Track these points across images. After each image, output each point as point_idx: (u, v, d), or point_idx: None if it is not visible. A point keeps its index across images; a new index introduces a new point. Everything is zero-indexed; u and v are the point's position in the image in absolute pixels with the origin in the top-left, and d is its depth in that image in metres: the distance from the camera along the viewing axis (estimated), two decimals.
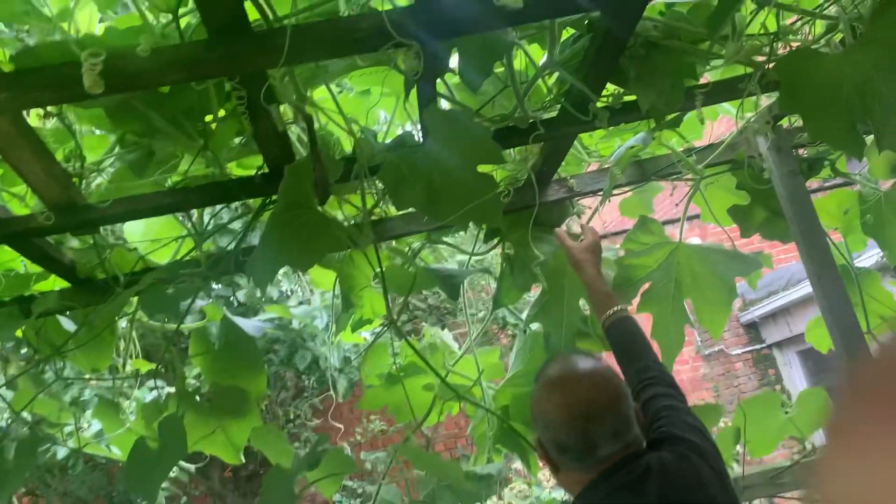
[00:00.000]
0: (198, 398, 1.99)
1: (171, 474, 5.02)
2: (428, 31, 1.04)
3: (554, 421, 1.35)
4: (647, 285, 2.12)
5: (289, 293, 4.56)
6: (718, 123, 2.38)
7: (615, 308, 1.74)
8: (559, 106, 1.57)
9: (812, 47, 1.30)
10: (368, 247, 1.83)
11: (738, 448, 2.02)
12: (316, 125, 1.44)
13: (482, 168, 1.93)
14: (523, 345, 2.07)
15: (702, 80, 1.63)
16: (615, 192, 2.17)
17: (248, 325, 1.92)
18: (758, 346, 8.57)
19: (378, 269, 1.67)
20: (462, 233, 2.36)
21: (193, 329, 2.10)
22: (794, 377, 8.32)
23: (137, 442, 1.69)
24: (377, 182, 1.36)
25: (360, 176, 1.21)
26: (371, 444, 7.30)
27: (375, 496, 1.86)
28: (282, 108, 1.31)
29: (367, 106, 1.71)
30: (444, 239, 2.08)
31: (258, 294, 4.31)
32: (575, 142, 2.07)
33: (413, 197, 1.28)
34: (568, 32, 1.48)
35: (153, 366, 2.04)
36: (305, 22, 1.07)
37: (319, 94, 1.61)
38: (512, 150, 1.93)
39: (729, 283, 2.07)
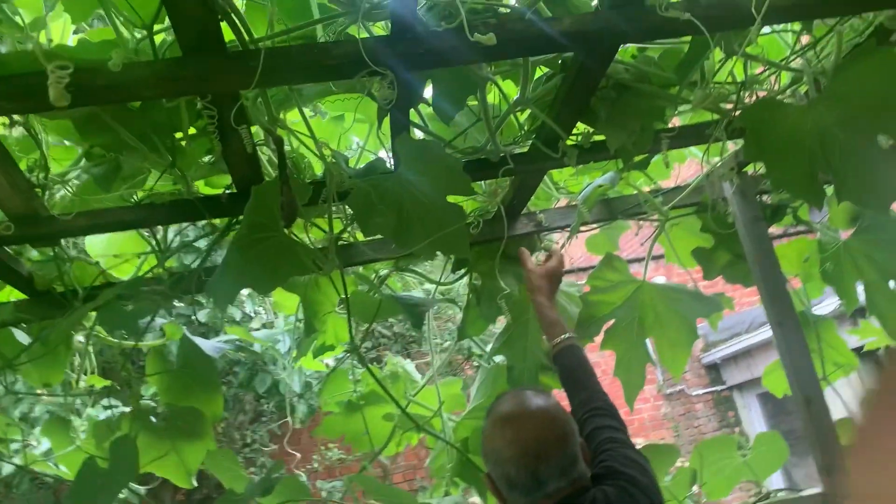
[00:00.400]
0: (153, 419, 1.94)
1: (121, 495, 4.89)
2: (402, 62, 1.05)
3: (503, 456, 1.38)
4: (610, 322, 2.14)
5: (252, 315, 4.50)
6: (685, 166, 2.43)
7: (564, 335, 1.78)
8: (530, 142, 1.59)
9: (777, 98, 1.33)
10: (334, 272, 1.83)
11: (695, 489, 2.03)
12: (287, 148, 1.44)
13: (452, 198, 1.95)
14: (486, 377, 2.06)
15: (671, 124, 1.67)
16: (583, 228, 2.20)
17: (208, 345, 1.89)
18: (718, 388, 8.65)
19: (343, 295, 1.66)
20: (430, 262, 2.36)
21: (151, 347, 2.06)
22: (754, 420, 8.40)
23: (86, 461, 1.65)
24: (346, 207, 1.35)
25: (328, 200, 1.21)
26: (328, 473, 7.19)
27: None
28: (253, 129, 1.30)
29: (339, 131, 1.71)
30: (412, 267, 2.08)
31: (220, 315, 4.26)
32: (545, 178, 2.10)
33: (382, 224, 1.28)
34: (542, 70, 1.50)
35: (108, 383, 1.99)
36: (281, 45, 1.07)
37: (293, 116, 1.62)
38: (483, 182, 1.95)
39: (690, 323, 2.09)
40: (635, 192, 2.06)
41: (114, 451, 1.63)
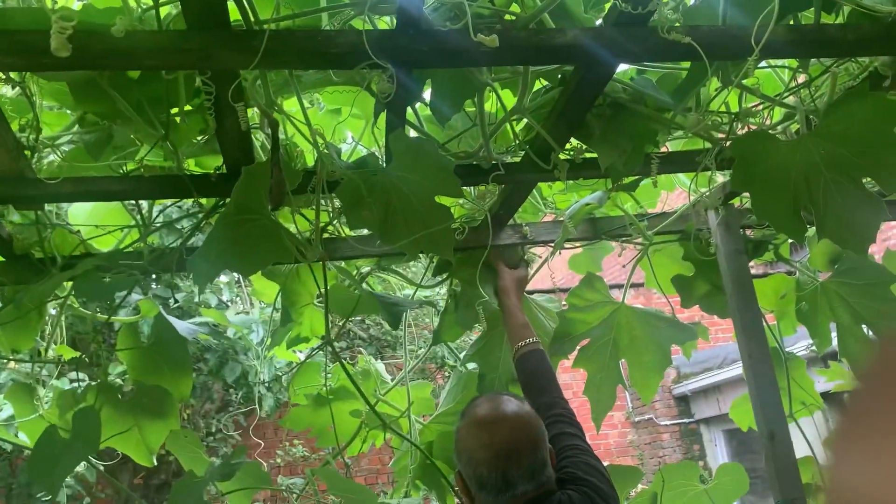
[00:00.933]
0: (119, 395, 1.93)
1: (78, 470, 4.83)
2: (404, 57, 1.06)
3: (477, 457, 1.42)
4: (585, 341, 2.15)
5: (228, 303, 4.48)
6: (674, 195, 2.45)
7: (529, 339, 1.83)
8: (523, 152, 1.60)
9: (769, 132, 1.35)
10: (316, 264, 1.83)
11: None
12: (281, 134, 1.44)
13: (441, 200, 1.96)
14: (456, 383, 2.06)
15: (662, 149, 1.69)
16: (567, 246, 2.21)
17: (182, 326, 1.88)
18: (686, 420, 8.69)
19: (323, 287, 1.66)
20: (412, 265, 2.37)
21: (124, 323, 2.05)
22: (718, 455, 8.45)
23: (47, 430, 1.63)
24: (334, 199, 1.36)
25: (318, 188, 1.21)
26: (290, 469, 7.14)
27: None
28: (249, 112, 1.31)
29: (335, 124, 1.71)
30: (394, 268, 2.09)
31: (196, 298, 4.22)
32: (534, 191, 2.12)
33: (368, 217, 1.28)
34: (541, 83, 1.52)
35: (77, 354, 1.97)
36: (285, 28, 1.08)
37: (290, 105, 1.62)
38: (472, 188, 1.96)
39: (665, 348, 2.11)
40: (622, 213, 2.08)
41: (76, 421, 1.61)
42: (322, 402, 1.94)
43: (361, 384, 1.97)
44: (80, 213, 1.90)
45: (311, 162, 1.51)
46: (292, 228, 1.50)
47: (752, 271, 2.18)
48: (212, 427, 6.25)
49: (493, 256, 1.97)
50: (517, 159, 1.63)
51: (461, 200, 2.03)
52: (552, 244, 2.13)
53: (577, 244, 2.29)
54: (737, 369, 7.14)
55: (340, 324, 1.83)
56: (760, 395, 1.96)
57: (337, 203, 1.45)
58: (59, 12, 0.89)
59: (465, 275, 2.06)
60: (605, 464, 1.74)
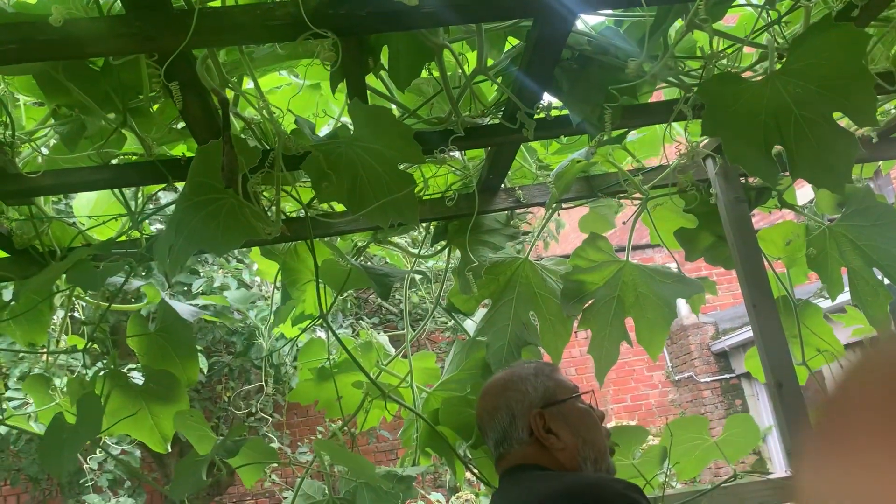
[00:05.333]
0: (132, 381, 1.98)
1: (122, 456, 4.98)
2: (343, 24, 1.05)
3: None
4: (590, 301, 2.13)
5: (251, 286, 4.55)
6: (672, 148, 2.40)
7: None
8: (501, 113, 1.58)
9: (737, 73, 1.31)
10: (307, 241, 1.85)
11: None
12: (252, 115, 1.45)
13: (428, 171, 1.95)
14: (460, 350, 2.07)
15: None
16: (568, 206, 2.19)
17: (183, 309, 1.91)
18: (727, 376, 8.61)
19: (315, 263, 1.68)
20: (409, 235, 2.37)
21: (134, 310, 2.10)
22: (761, 409, 8.36)
23: (56, 417, 1.68)
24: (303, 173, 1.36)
25: (276, 164, 1.21)
26: None
27: (297, 490, 1.85)
28: (229, 93, 1.31)
29: (315, 100, 1.71)
30: (391, 239, 2.09)
31: (213, 284, 4.29)
32: (526, 154, 2.10)
33: (336, 189, 1.28)
34: (514, 41, 1.49)
35: (85, 343, 2.03)
36: (224, 5, 1.07)
37: (268, 83, 1.62)
38: (459, 154, 1.95)
39: (670, 304, 2.08)
40: (617, 170, 2.04)
41: (80, 407, 1.66)
42: (326, 375, 1.96)
43: (363, 357, 1.99)
44: (82, 205, 1.94)
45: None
46: (265, 204, 1.51)
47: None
48: (252, 408, 6.38)
49: None
50: (496, 121, 1.61)
51: (454, 168, 2.02)
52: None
53: (585, 204, 2.26)
54: None
55: (337, 298, 1.84)
56: (766, 344, 1.93)
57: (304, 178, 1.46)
58: None
59: (462, 241, 2.06)
60: (623, 423, 1.76)
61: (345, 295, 2.19)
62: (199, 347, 4.82)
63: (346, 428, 1.82)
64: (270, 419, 6.34)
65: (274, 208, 1.29)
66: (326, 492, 1.84)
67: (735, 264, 2.03)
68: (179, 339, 1.96)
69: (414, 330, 2.11)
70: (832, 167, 1.20)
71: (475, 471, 1.87)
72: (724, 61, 1.37)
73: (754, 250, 1.99)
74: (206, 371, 5.08)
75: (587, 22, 1.45)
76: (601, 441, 1.48)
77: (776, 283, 2.19)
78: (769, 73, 1.21)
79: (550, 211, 2.13)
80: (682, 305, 9.14)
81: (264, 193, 1.31)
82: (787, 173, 1.33)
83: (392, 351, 2.11)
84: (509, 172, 2.10)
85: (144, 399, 1.95)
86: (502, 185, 2.02)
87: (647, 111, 1.52)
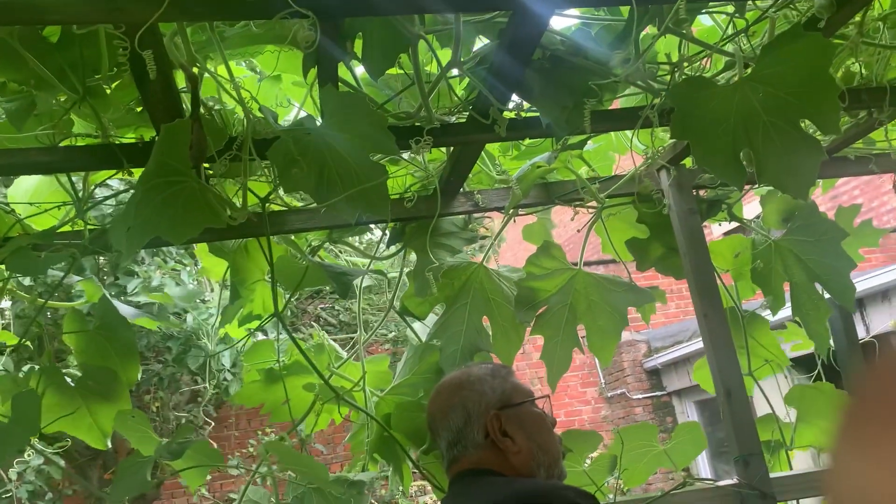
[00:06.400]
0: (69, 380, 1.88)
1: (44, 466, 4.74)
2: (324, 4, 1.02)
3: None
4: (544, 308, 2.14)
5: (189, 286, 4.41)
6: (627, 160, 2.44)
7: None
8: (468, 112, 1.57)
9: (707, 78, 1.33)
10: (263, 238, 1.79)
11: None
12: (215, 101, 1.40)
13: (390, 167, 1.92)
14: (412, 354, 2.04)
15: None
16: (523, 213, 2.20)
17: (125, 308, 1.83)
18: (658, 393, 8.78)
19: (270, 260, 1.62)
20: (363, 237, 2.33)
21: (71, 307, 2.00)
22: None
23: None
24: (268, 166, 1.32)
25: (245, 147, 1.17)
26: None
27: (242, 495, 1.78)
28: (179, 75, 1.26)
29: (275, 91, 1.67)
30: (345, 240, 2.05)
31: (157, 281, 4.13)
32: (486, 158, 2.09)
33: (302, 178, 1.25)
34: (484, 40, 1.48)
35: (16, 340, 1.92)
36: None
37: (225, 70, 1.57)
38: (422, 154, 1.93)
39: (621, 312, 2.10)
40: (575, 178, 2.06)
41: (15, 406, 1.56)
42: (275, 377, 1.90)
43: (315, 359, 1.94)
44: (19, 193, 1.84)
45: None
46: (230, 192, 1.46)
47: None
48: (181, 420, 6.18)
49: None
50: (463, 119, 1.60)
51: (413, 169, 2.00)
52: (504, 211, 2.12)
53: (533, 213, 2.27)
54: None
55: (291, 297, 1.79)
56: (716, 353, 1.96)
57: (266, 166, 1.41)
58: None
59: (419, 244, 2.04)
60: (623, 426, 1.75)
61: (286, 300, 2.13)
62: None
63: (296, 431, 1.76)
64: (202, 430, 6.14)
65: (241, 193, 1.24)
66: (272, 499, 1.78)
67: (686, 275, 2.06)
68: (119, 339, 1.87)
69: (366, 332, 2.07)
70: (798, 172, 1.23)
71: (427, 475, 1.83)
72: (694, 66, 1.39)
73: (706, 261, 2.03)
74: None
75: (556, 25, 1.45)
76: (555, 446, 1.48)
77: (725, 294, 2.24)
78: (739, 78, 1.23)
79: (509, 215, 2.13)
80: None
81: (231, 180, 1.26)
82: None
83: (344, 355, 2.06)
84: (470, 175, 2.09)
85: (82, 396, 1.85)
86: (461, 189, 2.01)
87: (613, 117, 1.53)
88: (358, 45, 1.30)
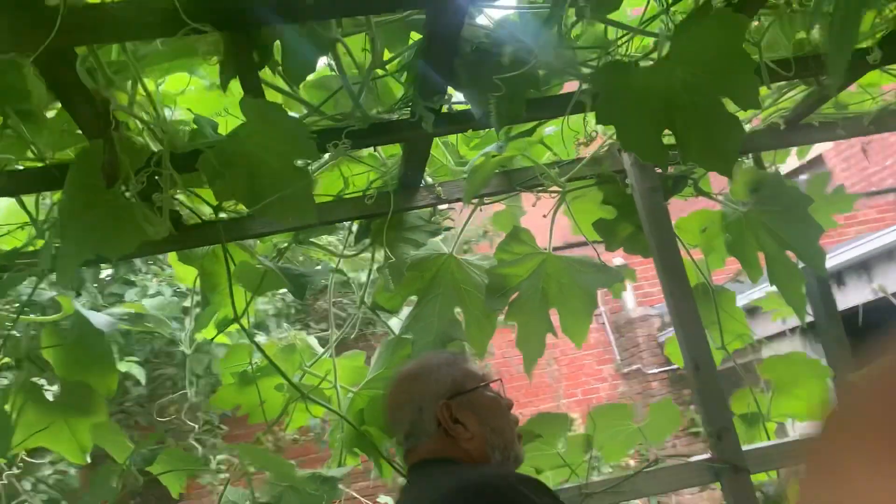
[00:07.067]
0: (49, 395, 1.93)
1: (60, 477, 4.83)
2: (224, 17, 1.03)
3: None
4: (516, 294, 2.15)
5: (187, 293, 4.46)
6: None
7: None
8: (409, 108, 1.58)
9: (627, 60, 1.33)
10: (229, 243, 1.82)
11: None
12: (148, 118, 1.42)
13: (347, 170, 1.94)
14: (385, 348, 2.06)
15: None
16: (490, 201, 2.21)
17: (99, 319, 1.87)
18: (674, 367, 8.76)
19: (228, 267, 1.66)
20: (331, 236, 2.35)
21: (48, 321, 2.04)
22: None
23: None
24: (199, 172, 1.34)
25: (164, 162, 1.19)
26: (283, 454, 7.17)
27: (221, 496, 1.82)
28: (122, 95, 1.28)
29: (220, 100, 1.69)
30: (311, 240, 2.08)
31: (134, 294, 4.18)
32: (445, 150, 2.10)
33: (233, 187, 1.27)
34: (416, 36, 1.49)
35: None
36: (101, 2, 1.05)
37: (178, 84, 1.58)
38: (378, 151, 1.95)
39: (591, 293, 2.10)
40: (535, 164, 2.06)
41: None
42: (248, 380, 1.93)
43: (286, 359, 1.97)
44: None
45: (189, 139, 1.49)
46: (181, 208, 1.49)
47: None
48: (199, 421, 6.26)
49: None
50: (406, 116, 1.61)
51: (377, 165, 2.02)
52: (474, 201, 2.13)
53: (500, 200, 2.28)
54: None
55: (252, 300, 1.82)
56: (683, 329, 1.96)
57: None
58: None
59: (385, 239, 2.06)
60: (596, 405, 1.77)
61: (288, 300, 2.16)
62: (137, 360, 4.70)
63: (272, 430, 1.79)
64: (219, 430, 6.23)
65: (179, 207, 1.26)
66: (249, 500, 1.81)
67: (652, 252, 2.06)
68: (95, 350, 1.91)
69: (339, 329, 2.09)
70: (721, 151, 1.23)
71: (398, 468, 1.86)
72: (622, 50, 1.39)
73: (670, 239, 2.03)
74: (143, 382, 4.96)
75: (491, 15, 1.46)
76: (509, 429, 1.50)
77: (694, 270, 2.24)
78: (658, 59, 1.24)
79: (474, 206, 2.15)
80: (628, 299, 9.25)
81: (171, 194, 1.28)
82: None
83: (320, 352, 2.09)
84: (434, 169, 2.11)
85: (60, 411, 1.90)
86: (423, 182, 2.02)
87: (549, 104, 1.53)
88: None
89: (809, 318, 2.38)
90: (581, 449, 1.97)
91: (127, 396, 5.43)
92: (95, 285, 4.58)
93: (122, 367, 4.42)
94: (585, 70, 1.40)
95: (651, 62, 1.42)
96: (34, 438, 1.87)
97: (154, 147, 1.28)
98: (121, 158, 1.09)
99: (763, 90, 1.97)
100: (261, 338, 2.41)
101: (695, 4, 1.36)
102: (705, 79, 1.20)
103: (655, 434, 2.01)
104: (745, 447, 1.88)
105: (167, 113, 1.46)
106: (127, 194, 1.13)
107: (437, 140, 2.11)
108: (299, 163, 1.27)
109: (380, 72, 1.45)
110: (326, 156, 1.77)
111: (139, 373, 4.59)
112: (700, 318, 1.98)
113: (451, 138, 2.12)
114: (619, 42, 1.37)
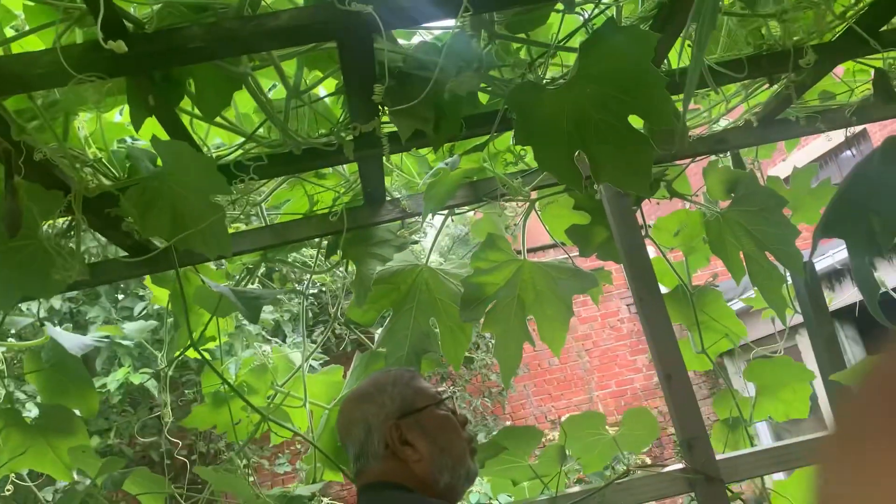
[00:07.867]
0: (26, 417, 1.99)
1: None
2: (111, 66, 1.05)
3: None
4: (493, 303, 2.13)
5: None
6: None
7: None
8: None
9: (538, 81, 1.31)
10: (178, 270, 1.85)
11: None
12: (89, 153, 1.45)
13: (326, 180, 1.95)
14: (359, 363, 2.07)
15: None
16: (461, 211, 2.20)
17: (72, 342, 1.92)
18: None
19: (181, 293, 1.69)
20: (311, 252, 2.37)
21: (29, 346, 2.10)
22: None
23: None
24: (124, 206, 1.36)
25: (77, 205, 1.21)
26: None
27: None
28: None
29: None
30: (279, 258, 2.10)
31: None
32: (408, 164, 2.10)
33: (157, 223, 1.29)
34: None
35: None
36: None
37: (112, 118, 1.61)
38: (343, 169, 1.96)
39: (566, 300, 2.08)
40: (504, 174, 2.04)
41: None
42: (221, 400, 1.96)
43: (259, 378, 2.00)
44: None
45: (128, 174, 1.51)
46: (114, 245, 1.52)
47: None
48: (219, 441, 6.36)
49: None
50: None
51: (342, 181, 2.03)
52: (440, 214, 2.13)
53: (478, 209, 2.27)
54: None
55: (209, 322, 1.85)
56: (654, 336, 1.93)
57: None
58: None
59: (353, 254, 2.07)
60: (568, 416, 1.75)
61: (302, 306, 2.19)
62: (149, 371, 4.76)
63: (243, 452, 1.82)
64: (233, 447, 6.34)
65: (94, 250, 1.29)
66: None
67: (621, 257, 2.03)
68: (73, 372, 1.97)
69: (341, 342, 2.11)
70: (632, 169, 1.20)
71: None
72: (541, 71, 1.37)
73: (638, 243, 2.00)
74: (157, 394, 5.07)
75: (414, 37, 1.45)
76: (459, 446, 1.48)
77: (672, 273, 2.20)
78: (568, 78, 1.21)
79: (444, 217, 2.15)
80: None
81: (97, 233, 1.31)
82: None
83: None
84: (404, 182, 2.11)
85: (42, 433, 1.96)
86: (387, 197, 2.02)
87: (484, 121, 1.52)
88: None
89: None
90: (555, 460, 1.95)
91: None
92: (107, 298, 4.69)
93: (136, 379, 4.52)
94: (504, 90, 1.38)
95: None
96: (20, 461, 1.93)
97: (93, 183, 1.31)
98: (27, 207, 1.12)
99: (730, 87, 1.93)
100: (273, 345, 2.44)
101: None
102: (615, 97, 1.18)
103: (633, 443, 1.98)
104: (718, 456, 1.85)
105: (94, 151, 1.49)
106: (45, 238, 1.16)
107: (403, 154, 2.12)
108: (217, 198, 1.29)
109: (317, 93, 1.46)
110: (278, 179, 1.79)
111: (152, 385, 4.67)
112: (671, 326, 1.94)
113: (423, 150, 2.12)
114: (536, 62, 1.34)
